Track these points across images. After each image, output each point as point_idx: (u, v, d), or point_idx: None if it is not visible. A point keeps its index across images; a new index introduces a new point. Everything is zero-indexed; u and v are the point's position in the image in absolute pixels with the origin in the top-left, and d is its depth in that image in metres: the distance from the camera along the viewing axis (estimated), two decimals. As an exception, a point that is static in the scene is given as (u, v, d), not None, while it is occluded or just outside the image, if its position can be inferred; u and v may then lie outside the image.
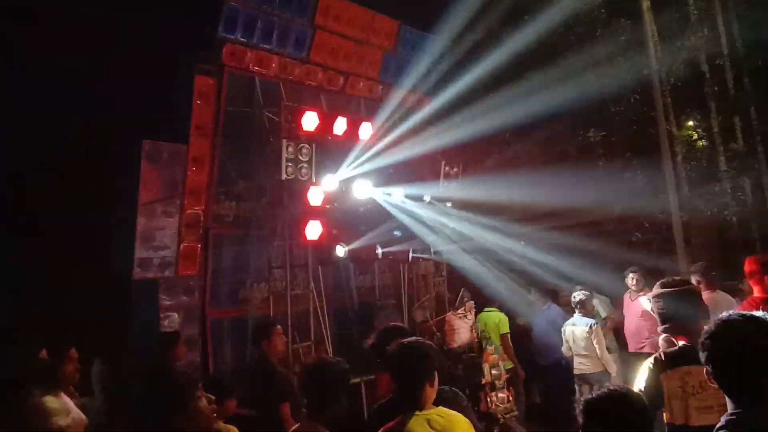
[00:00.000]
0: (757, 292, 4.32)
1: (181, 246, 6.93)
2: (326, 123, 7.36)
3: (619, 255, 9.19)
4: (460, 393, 3.48)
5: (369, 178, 7.95)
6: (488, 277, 8.87)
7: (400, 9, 9.28)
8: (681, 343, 3.25)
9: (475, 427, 3.03)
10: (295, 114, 7.13)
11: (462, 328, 7.16)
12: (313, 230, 6.90)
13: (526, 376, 8.12)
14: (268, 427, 4.26)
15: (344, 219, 7.82)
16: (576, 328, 7.28)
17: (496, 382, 6.66)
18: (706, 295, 5.06)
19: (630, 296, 7.60)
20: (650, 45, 11.20)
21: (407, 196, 8.43)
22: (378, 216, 8.24)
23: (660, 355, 3.27)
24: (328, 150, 7.63)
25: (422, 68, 9.33)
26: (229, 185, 7.41)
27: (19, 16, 6.87)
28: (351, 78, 8.65)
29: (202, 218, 7.14)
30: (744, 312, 2.19)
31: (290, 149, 7.04)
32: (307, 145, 7.18)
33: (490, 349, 6.99)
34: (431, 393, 2.92)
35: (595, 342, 7.06)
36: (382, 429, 2.86)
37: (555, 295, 8.69)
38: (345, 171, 7.67)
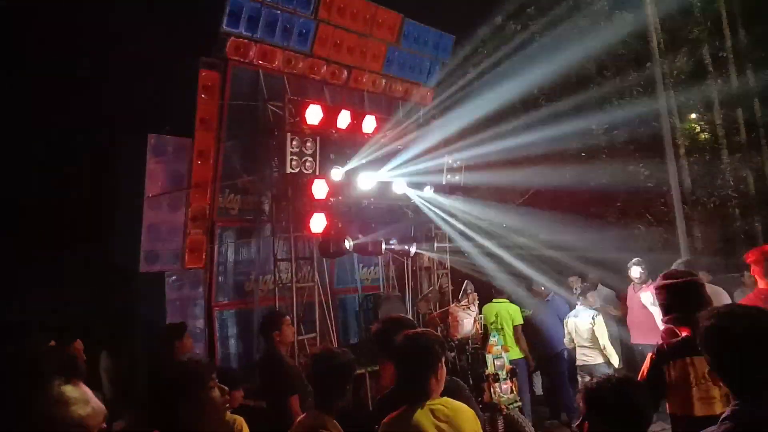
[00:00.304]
0: (763, 284, 4.31)
1: (187, 239, 6.97)
2: (330, 116, 7.37)
3: (621, 246, 9.22)
4: (462, 383, 3.51)
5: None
6: (492, 269, 8.93)
7: (403, 2, 9.29)
8: (684, 334, 3.28)
9: (478, 416, 3.06)
10: (300, 107, 7.15)
11: (465, 320, 7.19)
12: (318, 223, 6.93)
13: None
14: (277, 419, 4.30)
15: (351, 212, 7.85)
16: (579, 320, 7.33)
17: (500, 372, 6.71)
18: None
19: (634, 288, 7.63)
20: (653, 37, 11.18)
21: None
22: (384, 209, 8.27)
23: (663, 346, 3.30)
24: (333, 143, 7.65)
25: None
26: (234, 178, 7.44)
27: (26, 11, 6.90)
28: (354, 71, 8.66)
29: (207, 211, 7.18)
30: (742, 305, 2.20)
31: (294, 143, 7.05)
32: (311, 139, 7.20)
33: (493, 340, 7.03)
34: (436, 384, 2.93)
35: (597, 333, 7.11)
36: (386, 419, 2.88)
37: (557, 286, 8.74)
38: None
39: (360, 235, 7.76)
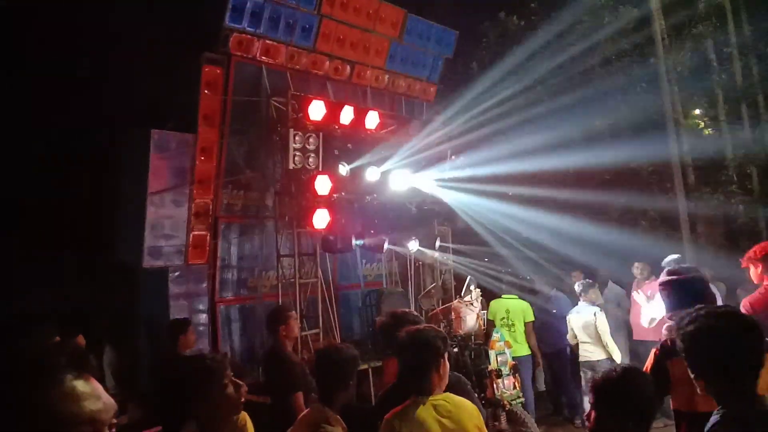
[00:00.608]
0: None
1: (191, 235, 6.98)
2: (333, 112, 7.37)
3: (625, 243, 9.21)
4: (463, 378, 3.51)
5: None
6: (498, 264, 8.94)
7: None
8: (688, 330, 3.27)
9: (480, 412, 3.07)
10: (303, 103, 7.14)
11: (468, 316, 7.18)
12: (321, 219, 6.93)
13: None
14: (281, 415, 4.31)
15: (354, 208, 7.86)
16: (581, 316, 7.33)
17: (502, 368, 6.71)
18: None
19: (637, 284, 7.63)
20: (657, 32, 11.13)
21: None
22: (387, 206, 8.27)
23: (667, 342, 3.30)
24: (336, 139, 7.65)
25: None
26: (237, 174, 7.45)
27: (27, 8, 6.90)
28: (357, 67, 8.65)
29: (210, 207, 7.19)
30: (719, 309, 2.14)
31: (297, 138, 7.06)
32: (314, 135, 7.20)
33: (496, 336, 7.03)
34: (439, 380, 2.94)
35: (600, 329, 7.11)
36: (389, 414, 2.89)
37: (560, 283, 8.74)
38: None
39: (362, 231, 7.77)
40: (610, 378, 2.32)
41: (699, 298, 3.22)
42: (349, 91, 8.68)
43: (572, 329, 7.46)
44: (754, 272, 4.28)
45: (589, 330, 7.19)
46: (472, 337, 7.16)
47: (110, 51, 7.50)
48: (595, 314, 7.19)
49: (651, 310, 5.95)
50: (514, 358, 7.18)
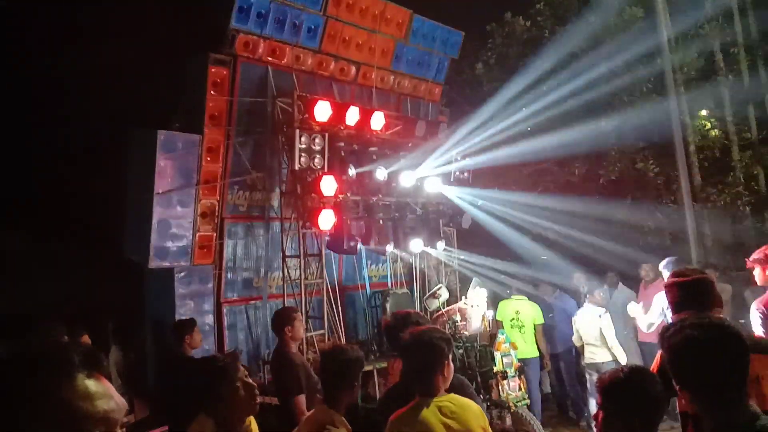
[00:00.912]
0: None
1: (197, 235, 7.01)
2: (339, 113, 7.37)
3: (632, 244, 9.19)
4: (466, 380, 3.51)
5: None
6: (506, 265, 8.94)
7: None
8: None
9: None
10: (308, 104, 7.15)
11: (474, 317, 7.18)
12: (327, 219, 6.94)
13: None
14: (287, 416, 4.32)
15: (359, 208, 7.86)
16: (586, 318, 7.31)
17: (508, 370, 6.70)
18: None
19: (644, 286, 7.62)
20: (663, 33, 11.10)
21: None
22: (392, 206, 8.28)
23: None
24: (341, 140, 7.66)
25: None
26: (243, 175, 7.47)
27: (35, 12, 6.95)
28: (363, 68, 8.66)
29: (216, 208, 7.21)
30: (704, 320, 2.09)
31: (303, 139, 7.06)
32: (319, 135, 7.21)
33: (501, 337, 7.02)
34: (443, 381, 2.95)
35: (605, 331, 7.09)
36: (393, 415, 2.89)
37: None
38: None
39: (367, 233, 7.77)
40: (617, 378, 2.31)
41: (705, 300, 3.22)
42: (354, 91, 8.69)
43: (577, 331, 7.45)
44: (760, 273, 4.26)
45: (595, 332, 7.18)
46: (478, 338, 7.15)
47: (117, 51, 7.54)
48: (600, 316, 7.17)
49: (649, 317, 5.93)
50: (523, 360, 7.18)
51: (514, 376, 6.74)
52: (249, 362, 7.32)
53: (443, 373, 2.95)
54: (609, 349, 7.10)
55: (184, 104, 7.22)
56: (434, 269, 9.45)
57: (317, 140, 7.21)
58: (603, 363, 7.08)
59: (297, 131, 7.01)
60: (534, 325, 7.85)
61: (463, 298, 7.82)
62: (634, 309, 6.28)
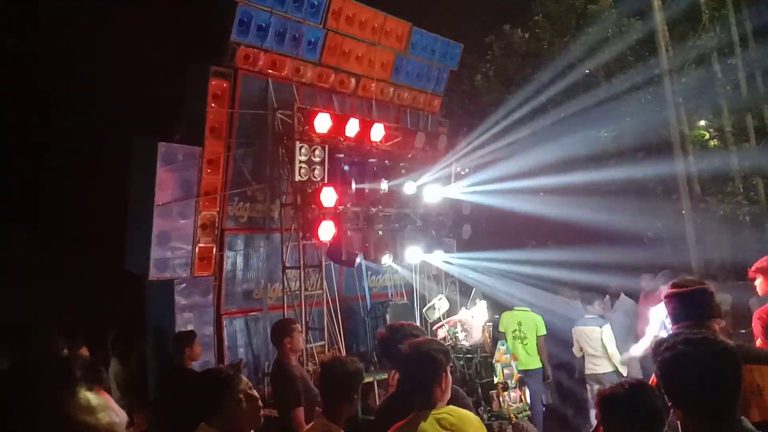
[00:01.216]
0: None
1: (197, 247, 7.01)
2: (339, 125, 7.41)
3: (631, 254, 9.19)
4: (462, 392, 3.49)
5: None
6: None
7: (411, 11, 9.34)
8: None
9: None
10: (308, 116, 7.19)
11: (474, 328, 7.17)
12: (327, 231, 6.95)
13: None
14: (286, 429, 4.31)
15: (359, 219, 7.88)
16: (586, 329, 7.29)
17: (509, 381, 6.68)
18: None
19: (644, 296, 7.61)
20: (661, 44, 11.18)
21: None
22: (393, 217, 8.29)
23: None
24: (341, 151, 7.68)
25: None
26: (243, 187, 7.49)
27: (36, 25, 7.01)
28: (363, 80, 8.70)
29: (217, 219, 7.22)
30: (696, 335, 2.09)
31: (303, 151, 7.09)
32: (320, 147, 7.24)
33: (501, 348, 7.01)
34: (441, 393, 2.92)
35: (605, 341, 7.08)
36: (392, 429, 2.87)
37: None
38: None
39: (366, 245, 7.78)
40: (617, 393, 2.30)
41: (704, 311, 3.22)
42: (354, 103, 8.73)
43: (577, 342, 7.43)
44: (763, 282, 4.25)
45: (595, 342, 7.16)
46: (478, 349, 7.13)
47: (118, 63, 7.59)
48: (600, 326, 7.16)
49: (650, 333, 5.90)
50: (525, 371, 7.15)
51: (515, 387, 6.72)
52: (249, 374, 7.29)
53: (441, 385, 2.92)
54: (610, 360, 7.08)
55: (184, 116, 7.25)
56: (434, 279, 9.44)
57: (317, 152, 7.23)
58: (604, 374, 7.06)
59: (297, 143, 7.03)
60: (537, 337, 7.81)
61: (463, 308, 7.81)
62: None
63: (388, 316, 8.06)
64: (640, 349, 6.03)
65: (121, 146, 7.33)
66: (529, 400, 6.85)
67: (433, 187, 8.56)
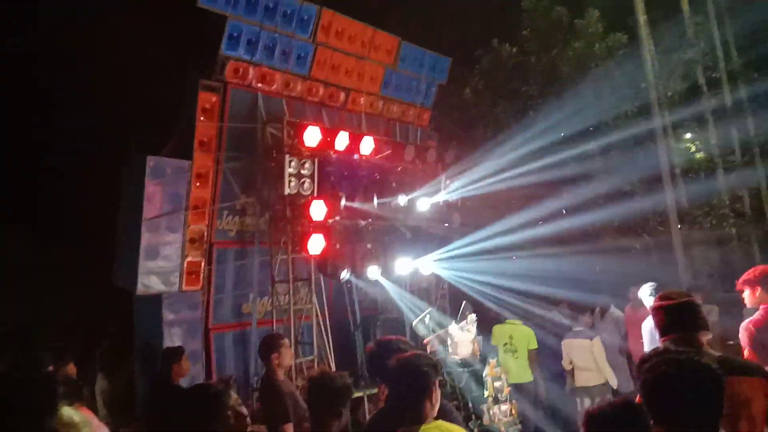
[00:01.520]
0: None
1: (185, 261, 6.97)
2: (328, 138, 7.42)
3: (619, 267, 9.22)
4: (449, 405, 3.47)
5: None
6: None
7: (400, 25, 9.42)
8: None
9: None
10: (298, 129, 7.21)
11: (464, 341, 7.15)
12: (316, 244, 6.94)
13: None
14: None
15: (349, 232, 7.86)
16: (576, 341, 7.30)
17: (499, 395, 6.66)
18: None
19: (632, 309, 7.63)
20: (647, 59, 11.32)
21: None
22: (382, 230, 8.29)
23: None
24: (331, 165, 7.70)
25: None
26: (232, 200, 7.47)
27: (36, 25, 7.01)
28: (352, 94, 8.75)
29: (205, 233, 7.19)
30: (679, 355, 2.11)
31: (293, 164, 7.10)
32: (309, 160, 7.25)
33: (492, 362, 6.99)
34: (430, 408, 2.89)
35: (595, 354, 7.08)
36: None
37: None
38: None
39: (354, 258, 7.76)
40: (604, 412, 2.29)
41: (691, 323, 3.23)
42: (344, 117, 8.76)
43: (567, 354, 7.42)
44: (750, 294, 4.26)
45: (585, 355, 7.16)
46: (467, 363, 7.11)
47: (106, 76, 7.58)
48: (590, 339, 7.16)
49: (646, 346, 5.91)
50: (516, 385, 7.13)
51: (505, 401, 6.70)
52: (238, 390, 7.22)
53: (431, 399, 2.91)
54: (600, 372, 7.07)
55: (173, 130, 7.24)
56: (425, 293, 9.43)
57: (307, 165, 7.24)
58: (594, 386, 7.05)
59: (287, 156, 7.04)
60: (528, 350, 7.79)
61: (452, 322, 7.79)
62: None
63: (378, 331, 8.02)
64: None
65: (120, 146, 7.31)
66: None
67: (423, 201, 8.59)
